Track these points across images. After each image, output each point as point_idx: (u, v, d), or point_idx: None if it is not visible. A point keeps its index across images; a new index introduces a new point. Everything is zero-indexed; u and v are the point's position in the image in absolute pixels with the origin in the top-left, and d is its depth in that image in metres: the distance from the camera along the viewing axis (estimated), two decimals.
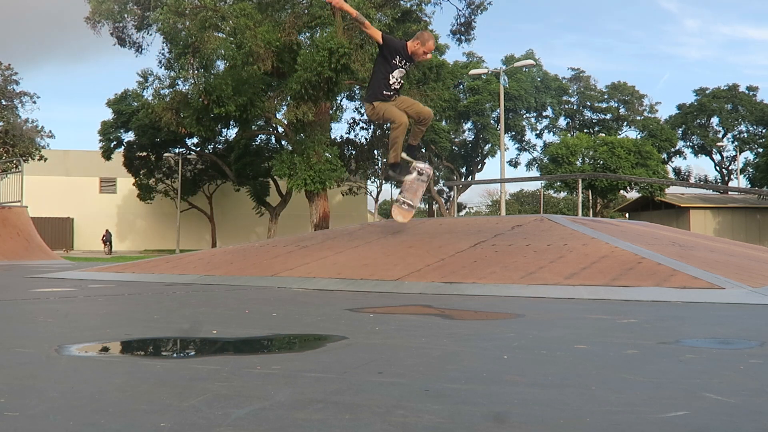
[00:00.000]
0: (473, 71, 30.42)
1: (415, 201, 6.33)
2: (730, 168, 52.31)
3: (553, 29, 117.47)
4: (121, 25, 25.45)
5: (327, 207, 24.48)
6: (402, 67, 5.92)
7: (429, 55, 5.91)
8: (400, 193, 6.43)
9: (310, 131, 23.37)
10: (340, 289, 4.59)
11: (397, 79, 5.95)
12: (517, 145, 47.83)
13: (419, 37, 5.87)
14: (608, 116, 51.14)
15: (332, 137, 31.03)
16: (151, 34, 25.60)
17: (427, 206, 49.96)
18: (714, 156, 52.52)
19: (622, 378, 1.74)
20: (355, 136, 37.32)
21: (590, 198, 40.92)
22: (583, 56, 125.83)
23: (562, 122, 50.41)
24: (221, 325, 2.91)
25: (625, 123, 50.78)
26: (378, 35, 5.80)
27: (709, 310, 3.31)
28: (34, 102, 31.73)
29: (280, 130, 27.90)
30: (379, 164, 40.75)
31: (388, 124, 6.26)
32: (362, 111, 36.64)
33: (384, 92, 5.94)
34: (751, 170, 45.83)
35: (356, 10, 6.14)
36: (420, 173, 6.36)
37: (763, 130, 49.42)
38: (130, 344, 2.43)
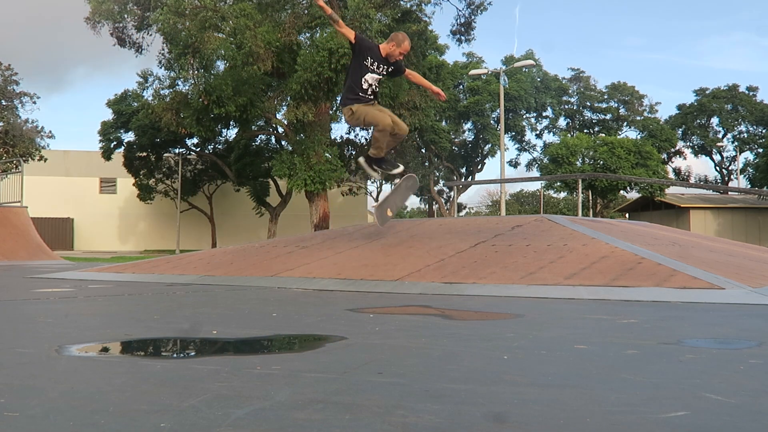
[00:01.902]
0: (473, 71, 30.41)
1: (394, 209, 6.28)
2: (730, 168, 52.34)
3: (553, 29, 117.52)
4: (121, 25, 25.44)
5: (327, 207, 24.48)
6: (376, 72, 5.70)
7: (401, 56, 5.73)
8: (385, 200, 6.31)
9: (310, 131, 23.36)
10: (340, 290, 4.59)
11: (371, 85, 5.72)
12: (517, 146, 47.87)
13: (394, 38, 5.70)
14: (608, 116, 51.15)
15: (332, 137, 31.01)
16: (151, 35, 25.60)
17: (427, 206, 49.99)
18: (714, 156, 52.55)
19: (622, 378, 1.74)
20: (355, 136, 37.30)
21: (590, 198, 40.92)
22: (584, 56, 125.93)
23: (562, 122, 50.45)
24: (221, 325, 2.91)
25: (625, 123, 50.80)
26: (351, 34, 5.63)
27: (709, 310, 3.31)
28: (34, 102, 31.72)
29: (280, 130, 27.90)
30: None
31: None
32: None
33: (359, 94, 5.72)
34: (751, 170, 45.83)
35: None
36: (407, 180, 6.32)
37: (763, 130, 49.42)
38: (130, 344, 2.43)
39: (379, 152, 6.02)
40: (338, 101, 33.14)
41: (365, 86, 5.70)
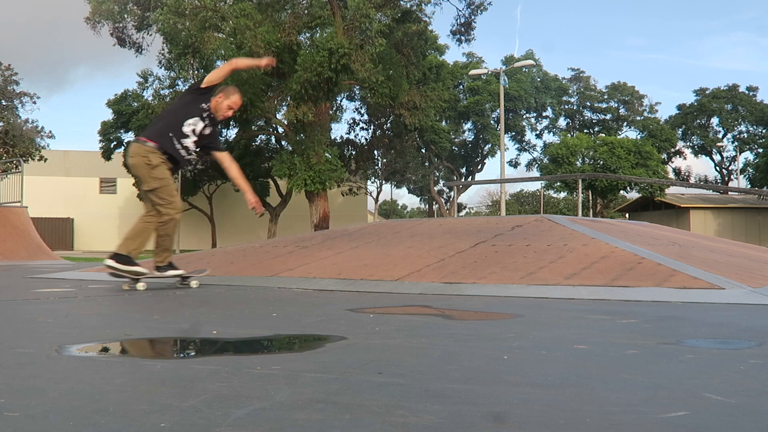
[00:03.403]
0: (473, 71, 30.42)
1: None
2: (730, 168, 52.34)
3: (553, 29, 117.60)
4: (121, 25, 25.46)
5: (327, 207, 24.48)
6: (203, 121, 4.70)
7: (230, 112, 4.79)
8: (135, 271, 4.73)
9: (310, 131, 23.37)
10: (340, 290, 4.59)
11: (190, 136, 4.66)
12: (517, 146, 47.91)
13: (223, 90, 4.79)
14: (608, 116, 51.17)
15: (332, 137, 31.02)
16: (151, 35, 25.63)
17: (427, 206, 50.00)
18: (714, 156, 52.55)
19: (622, 378, 1.74)
20: (355, 137, 37.36)
21: (590, 198, 40.93)
22: (584, 56, 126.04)
23: (562, 122, 50.47)
24: (221, 325, 2.91)
25: (625, 123, 50.82)
26: (227, 67, 4.76)
27: (709, 310, 3.31)
28: (34, 102, 31.73)
29: (280, 130, 27.92)
30: (379, 164, 40.78)
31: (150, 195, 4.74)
32: (362, 111, 36.68)
33: (173, 142, 4.58)
34: (751, 170, 45.85)
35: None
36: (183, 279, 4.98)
37: (763, 130, 49.43)
38: (130, 344, 2.43)
39: (167, 256, 4.88)
40: (339, 101, 33.15)
41: (186, 130, 4.66)
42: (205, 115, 4.73)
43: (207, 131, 4.78)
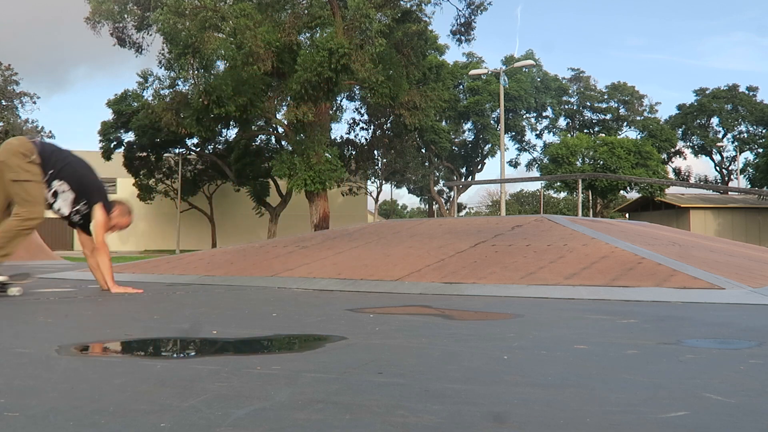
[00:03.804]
0: (473, 71, 30.41)
1: None
2: (730, 168, 52.35)
3: (553, 29, 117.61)
4: (121, 25, 25.45)
5: (327, 207, 24.47)
6: (71, 207, 4.64)
7: (110, 230, 4.78)
8: None
9: (310, 131, 23.37)
10: (340, 290, 4.59)
11: (54, 194, 4.53)
12: (517, 146, 47.93)
13: (121, 208, 4.85)
14: (608, 116, 51.18)
15: (332, 137, 31.04)
16: (151, 35, 25.62)
17: (427, 206, 50.03)
18: (714, 156, 52.56)
19: (622, 378, 1.74)
20: (355, 137, 37.39)
21: (590, 198, 40.94)
22: (584, 56, 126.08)
23: (562, 122, 50.48)
24: (221, 325, 2.91)
25: (625, 123, 50.83)
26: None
27: (709, 310, 3.31)
28: (34, 102, 31.79)
29: (280, 130, 27.92)
30: (379, 164, 40.79)
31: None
32: (362, 111, 36.69)
33: (52, 173, 4.40)
34: (751, 170, 45.85)
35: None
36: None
37: (763, 130, 49.44)
38: (130, 344, 2.42)
39: (6, 256, 4.34)
40: (339, 101, 33.14)
41: (56, 184, 4.52)
42: (77, 208, 4.67)
43: (72, 216, 4.71)
